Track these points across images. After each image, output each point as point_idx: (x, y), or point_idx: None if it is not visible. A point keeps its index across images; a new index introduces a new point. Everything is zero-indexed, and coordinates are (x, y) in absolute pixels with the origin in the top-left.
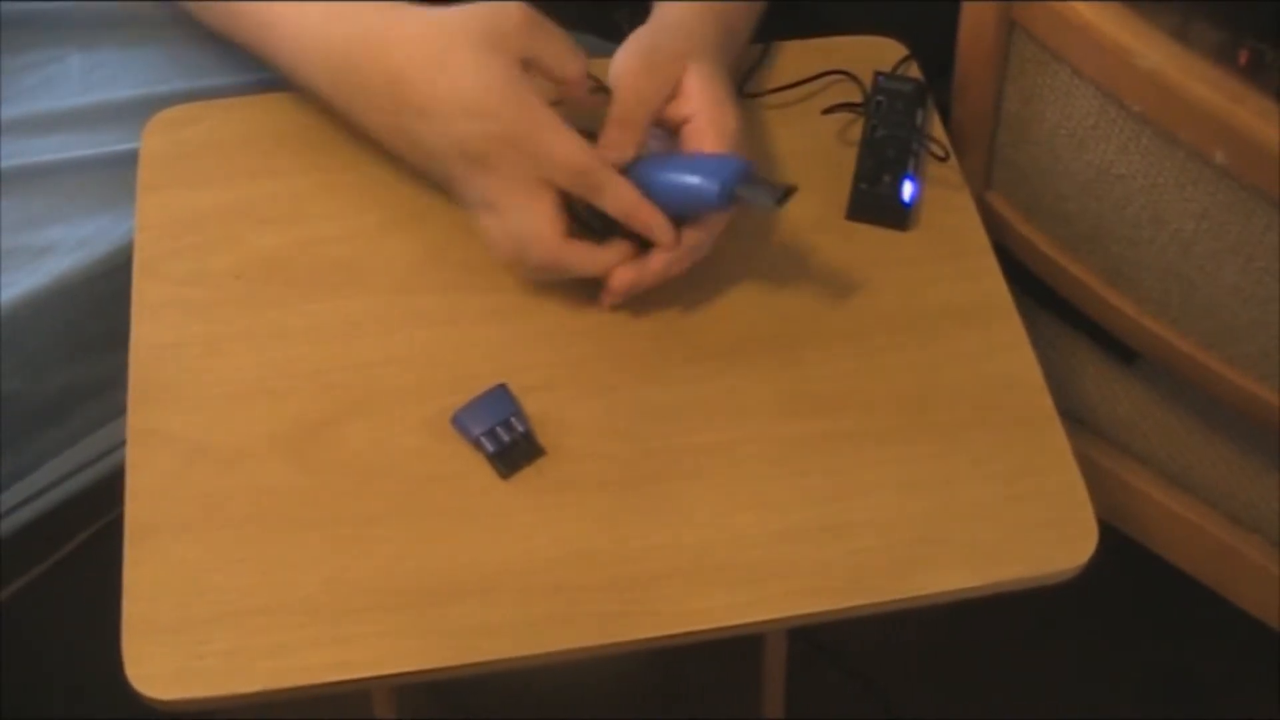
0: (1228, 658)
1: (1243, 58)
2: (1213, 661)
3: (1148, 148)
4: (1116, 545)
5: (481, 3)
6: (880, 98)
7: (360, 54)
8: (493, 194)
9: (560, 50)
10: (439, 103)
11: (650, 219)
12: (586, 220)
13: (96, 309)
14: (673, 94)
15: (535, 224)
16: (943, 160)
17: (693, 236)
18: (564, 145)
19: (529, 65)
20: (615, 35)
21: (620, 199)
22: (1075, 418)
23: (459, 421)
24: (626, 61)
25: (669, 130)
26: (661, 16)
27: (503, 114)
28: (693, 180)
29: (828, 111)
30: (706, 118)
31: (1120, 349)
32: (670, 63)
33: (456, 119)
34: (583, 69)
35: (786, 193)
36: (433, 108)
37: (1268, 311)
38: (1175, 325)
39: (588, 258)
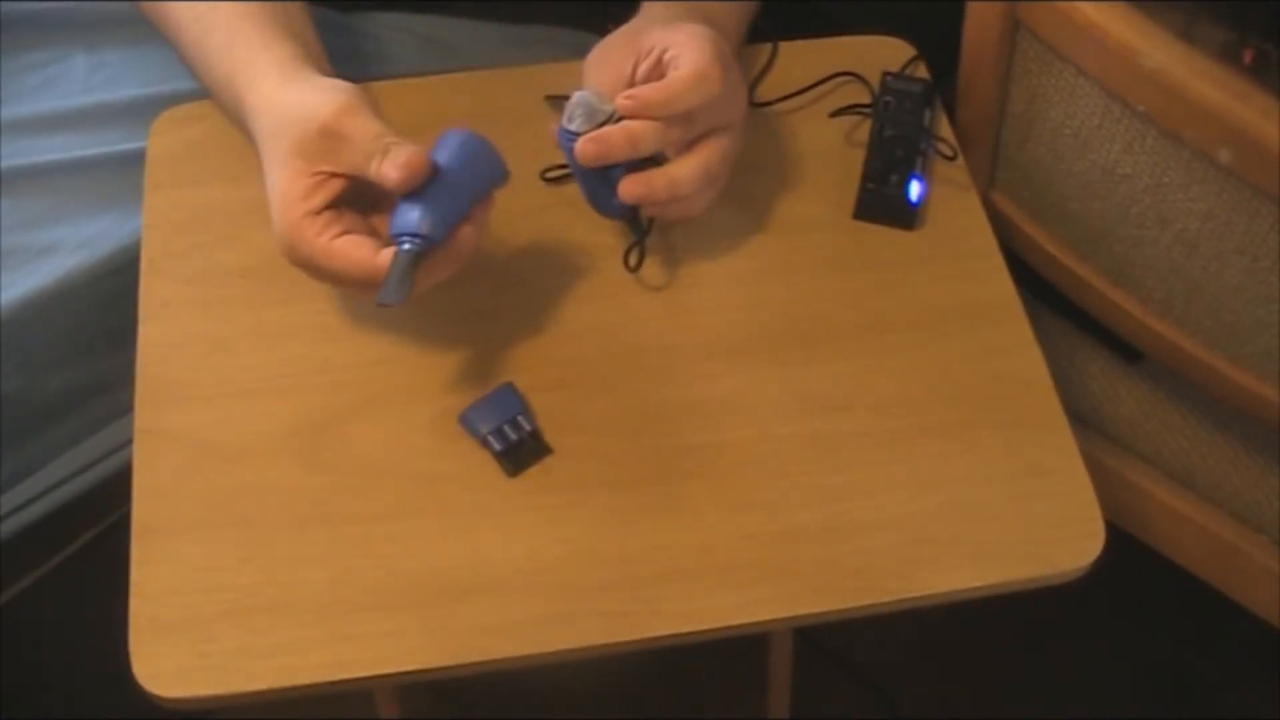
0: (1228, 658)
1: (1247, 57)
2: (1213, 661)
3: (1152, 147)
4: (1118, 544)
5: (314, 97)
6: (888, 98)
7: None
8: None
9: (358, 155)
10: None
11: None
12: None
13: (99, 309)
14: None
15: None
16: (951, 160)
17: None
18: (335, 265)
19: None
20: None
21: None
22: (1079, 417)
23: (466, 420)
24: (594, 49)
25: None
26: (643, 12)
27: (283, 235)
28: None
29: (836, 114)
30: (680, 41)
31: (1124, 349)
32: (636, 34)
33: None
34: (396, 169)
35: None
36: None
37: (1272, 311)
38: (1179, 325)
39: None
